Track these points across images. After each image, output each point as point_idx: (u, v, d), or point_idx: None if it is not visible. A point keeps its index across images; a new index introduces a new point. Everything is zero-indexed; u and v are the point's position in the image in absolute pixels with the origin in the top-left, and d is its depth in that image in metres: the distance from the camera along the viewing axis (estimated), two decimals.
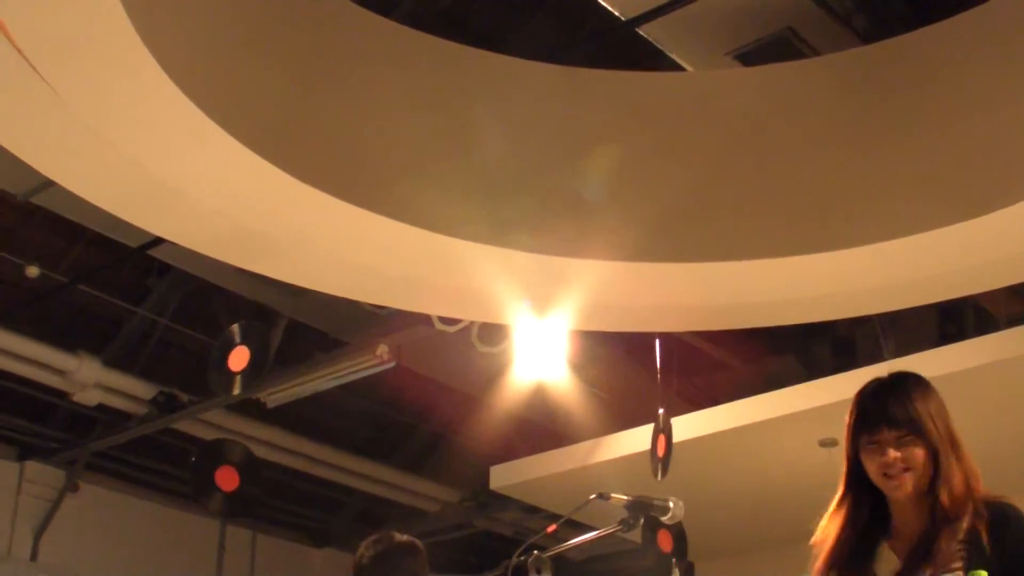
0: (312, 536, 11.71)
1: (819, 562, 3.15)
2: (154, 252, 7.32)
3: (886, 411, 3.13)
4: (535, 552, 2.78)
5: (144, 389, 8.65)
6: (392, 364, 7.64)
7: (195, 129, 4.66)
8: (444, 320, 7.00)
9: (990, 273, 5.99)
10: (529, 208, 5.67)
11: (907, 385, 3.18)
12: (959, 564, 2.94)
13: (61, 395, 8.69)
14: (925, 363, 7.13)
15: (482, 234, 5.55)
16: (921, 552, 2.97)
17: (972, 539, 2.97)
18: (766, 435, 7.74)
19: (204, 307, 8.56)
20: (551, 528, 3.06)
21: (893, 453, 3.07)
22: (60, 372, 8.29)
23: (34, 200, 6.79)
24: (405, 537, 4.17)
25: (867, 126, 5.73)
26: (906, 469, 3.06)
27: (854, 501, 3.15)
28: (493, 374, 7.72)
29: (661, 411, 7.21)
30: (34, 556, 9.45)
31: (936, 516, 3.02)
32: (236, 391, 6.62)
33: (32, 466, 9.47)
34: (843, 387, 7.41)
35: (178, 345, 9.03)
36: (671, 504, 3.15)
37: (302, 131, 5.21)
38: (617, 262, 5.73)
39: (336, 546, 11.75)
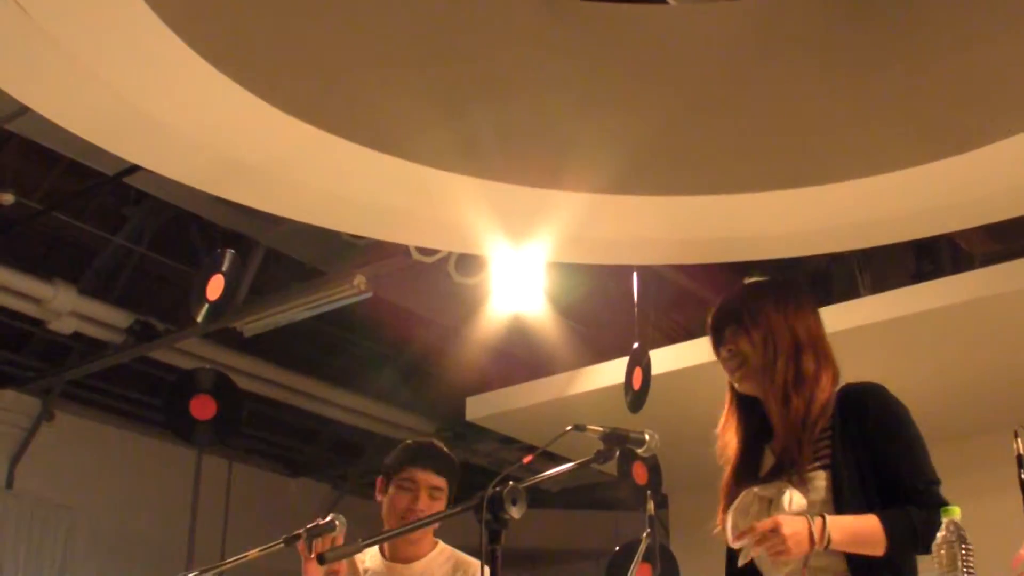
0: (288, 465, 11.75)
1: (725, 476, 3.35)
2: (130, 180, 7.28)
3: (717, 309, 3.37)
4: (510, 483, 2.78)
5: (120, 317, 8.63)
6: (369, 294, 7.63)
7: (173, 57, 4.62)
8: (421, 251, 6.99)
9: (968, 211, 6.00)
10: (508, 139, 5.64)
11: (747, 287, 3.41)
12: (824, 458, 3.08)
13: (36, 323, 8.67)
14: (901, 300, 7.17)
15: (460, 164, 5.53)
16: (789, 450, 3.10)
17: (834, 430, 3.11)
18: None
19: (181, 236, 8.53)
20: (527, 459, 3.06)
21: (724, 350, 3.30)
22: (35, 300, 8.25)
23: (8, 126, 6.74)
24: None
25: (849, 61, 5.72)
26: (740, 364, 3.24)
27: (740, 409, 3.34)
28: (470, 305, 7.73)
29: (637, 344, 7.22)
30: (10, 484, 9.47)
31: (792, 413, 3.15)
32: (200, 319, 6.60)
33: (7, 394, 9.47)
34: None
35: (154, 274, 9.01)
36: (647, 437, 3.16)
37: (281, 60, 5.18)
38: (595, 194, 5.72)
39: (311, 476, 11.79)
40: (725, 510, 3.26)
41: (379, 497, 4.21)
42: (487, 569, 2.80)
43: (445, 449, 4.29)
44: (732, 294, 3.38)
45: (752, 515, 3.11)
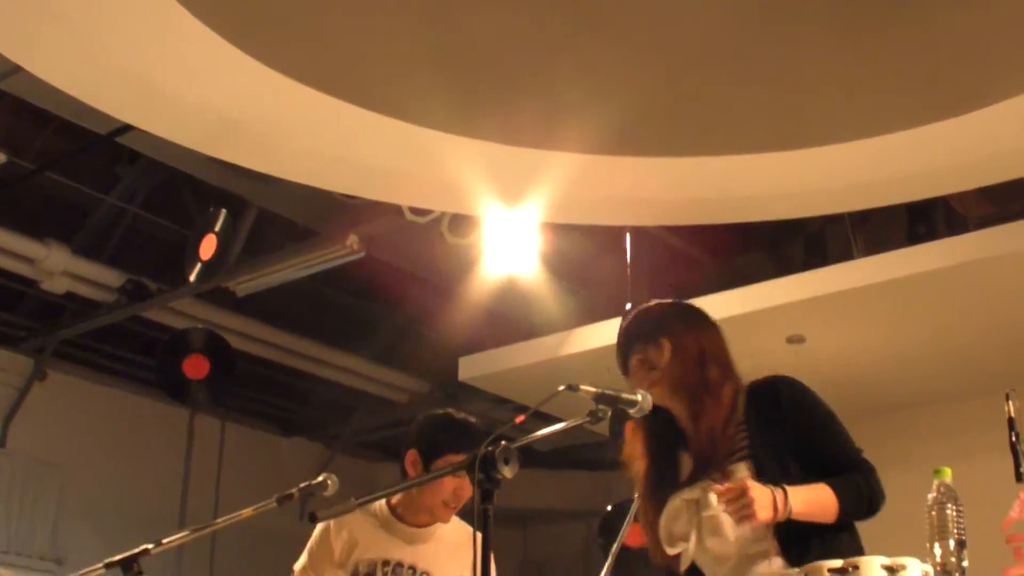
0: (281, 425, 11.75)
1: (639, 488, 3.44)
2: (123, 139, 7.25)
3: (624, 327, 3.54)
4: (503, 442, 2.78)
5: (113, 277, 8.61)
6: (362, 254, 7.61)
7: (166, 16, 4.60)
8: (414, 211, 6.97)
9: (964, 174, 5.99)
10: (501, 99, 5.63)
11: (652, 307, 3.56)
12: (741, 450, 3.18)
13: (29, 283, 8.65)
14: (895, 262, 7.16)
15: (453, 124, 5.52)
16: (705, 450, 3.20)
17: (749, 422, 3.22)
18: (734, 331, 7.67)
19: (174, 195, 8.51)
20: (519, 419, 3.06)
21: (633, 359, 3.42)
22: (28, 260, 8.23)
23: (0, 85, 6.71)
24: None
25: (848, 24, 5.69)
26: (649, 371, 3.36)
27: (647, 419, 3.34)
28: (463, 266, 7.72)
29: (629, 305, 7.22)
30: (2, 443, 9.47)
31: (706, 414, 3.26)
32: (193, 278, 6.58)
33: (0, 354, 9.46)
34: (813, 284, 7.44)
35: (147, 234, 8.99)
36: (639, 397, 3.16)
37: (274, 20, 5.15)
38: (589, 155, 5.71)
39: (305, 435, 11.80)
40: (650, 520, 3.35)
41: (411, 472, 4.17)
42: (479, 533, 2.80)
43: (473, 426, 4.20)
44: (638, 313, 3.54)
45: (683, 520, 3.20)
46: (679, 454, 3.36)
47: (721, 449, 3.16)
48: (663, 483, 3.31)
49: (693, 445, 3.27)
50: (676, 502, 3.22)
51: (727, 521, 3.10)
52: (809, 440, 3.17)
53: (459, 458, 3.96)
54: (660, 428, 3.35)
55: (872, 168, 5.81)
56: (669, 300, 3.58)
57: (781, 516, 2.99)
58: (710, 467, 3.18)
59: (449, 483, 4.04)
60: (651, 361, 3.35)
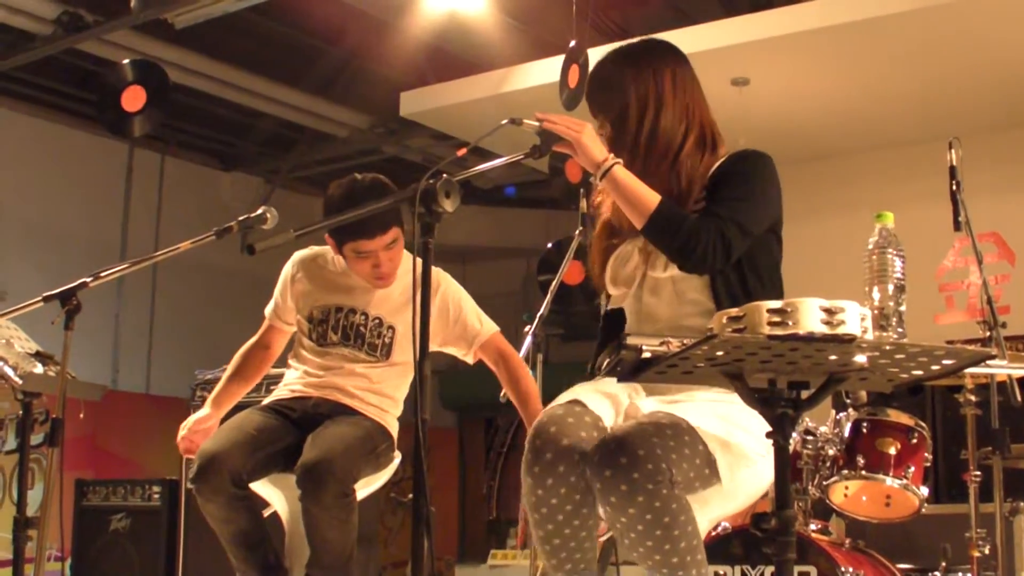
0: (221, 159, 11.71)
1: (596, 230, 3.34)
2: None
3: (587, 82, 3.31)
4: (443, 175, 2.75)
5: (48, 8, 8.41)
6: None
7: None
8: None
9: None
10: None
11: (608, 58, 3.29)
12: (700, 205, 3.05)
13: None
14: (843, 7, 7.19)
15: None
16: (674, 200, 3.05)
17: (709, 191, 3.09)
18: None
19: None
20: (461, 151, 3.02)
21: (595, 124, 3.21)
22: None
23: None
24: (370, 176, 4.22)
25: None
26: (605, 140, 3.15)
27: None
28: None
29: (573, 43, 7.16)
30: None
31: (673, 182, 3.12)
32: (133, 5, 6.43)
33: None
34: (759, 26, 7.39)
35: None
36: None
37: None
38: None
39: (244, 169, 11.77)
40: (600, 261, 3.27)
41: (334, 251, 4.20)
42: (419, 261, 2.79)
43: (380, 190, 4.10)
44: (596, 66, 3.30)
45: (633, 264, 3.13)
46: None
47: (680, 203, 3.03)
48: (619, 229, 3.22)
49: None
50: (629, 247, 3.17)
51: (669, 288, 3.07)
52: (714, 194, 3.05)
53: (363, 242, 3.99)
54: None
55: None
56: (621, 45, 3.34)
57: (601, 166, 2.99)
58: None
59: (362, 268, 4.10)
60: (604, 131, 3.17)
